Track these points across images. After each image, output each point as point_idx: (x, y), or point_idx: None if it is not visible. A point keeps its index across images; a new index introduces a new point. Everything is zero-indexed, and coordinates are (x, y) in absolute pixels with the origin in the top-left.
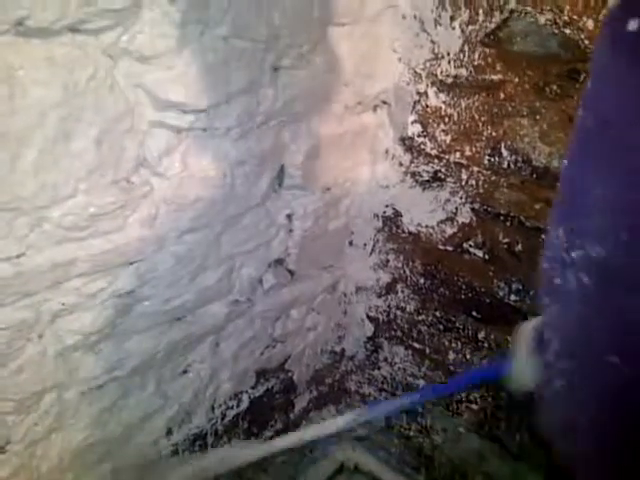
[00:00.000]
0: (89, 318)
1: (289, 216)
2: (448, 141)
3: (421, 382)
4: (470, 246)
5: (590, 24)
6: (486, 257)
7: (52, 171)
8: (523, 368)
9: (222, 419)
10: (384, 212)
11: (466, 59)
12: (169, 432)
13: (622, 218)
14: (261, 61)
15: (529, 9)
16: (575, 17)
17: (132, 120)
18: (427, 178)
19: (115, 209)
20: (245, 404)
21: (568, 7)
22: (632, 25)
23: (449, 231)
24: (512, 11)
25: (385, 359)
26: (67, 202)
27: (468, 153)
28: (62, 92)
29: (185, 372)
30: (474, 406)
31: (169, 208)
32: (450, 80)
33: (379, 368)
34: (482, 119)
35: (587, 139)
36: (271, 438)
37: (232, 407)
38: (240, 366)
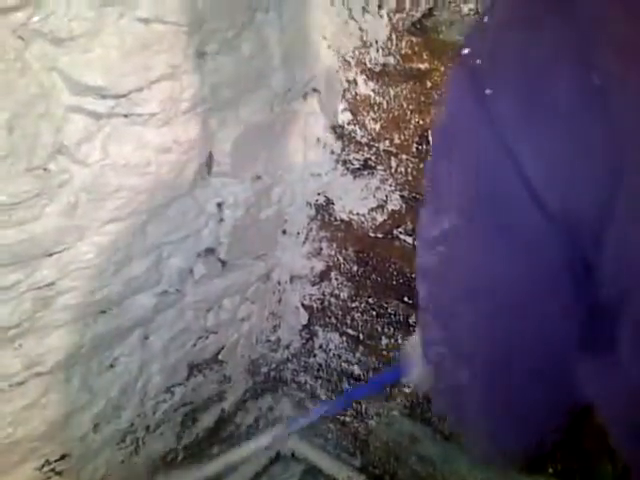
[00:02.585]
0: (6, 312)
1: (219, 205)
2: (378, 129)
3: (355, 368)
4: (400, 233)
5: None
6: (415, 243)
7: None
8: (419, 373)
9: (153, 413)
10: (316, 200)
11: (394, 47)
12: (96, 428)
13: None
14: (185, 46)
15: None
16: None
17: (47, 105)
18: (358, 166)
19: (30, 198)
20: (178, 397)
21: None
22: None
23: (380, 218)
24: (437, 0)
25: (320, 346)
26: None
27: (397, 141)
28: None
29: (112, 366)
30: (407, 390)
31: (90, 197)
32: (379, 68)
33: (315, 356)
34: (410, 107)
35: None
36: (206, 431)
37: (164, 401)
38: (171, 359)
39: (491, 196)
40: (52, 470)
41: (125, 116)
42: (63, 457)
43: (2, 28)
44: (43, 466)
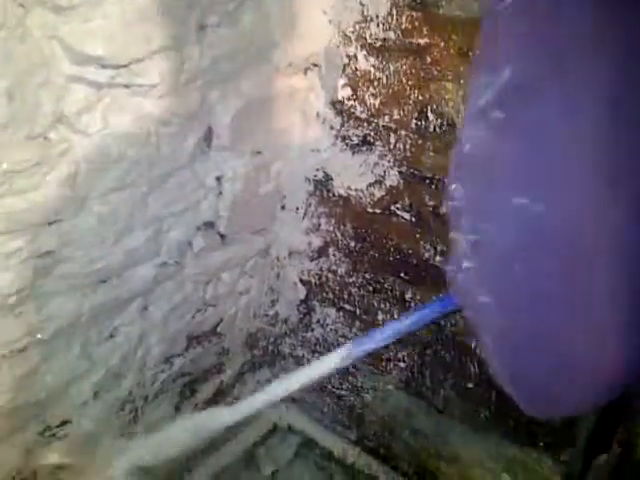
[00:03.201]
0: (7, 279)
1: (219, 178)
2: (377, 105)
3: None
4: (398, 209)
5: None
6: (413, 220)
7: None
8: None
9: (152, 383)
10: (315, 176)
11: (394, 22)
12: (96, 396)
13: None
14: (185, 18)
15: None
16: None
17: (47, 73)
18: (357, 142)
19: (31, 166)
20: (176, 368)
21: None
22: None
23: (378, 194)
24: None
25: (318, 321)
26: None
27: (396, 117)
28: None
29: (112, 336)
30: (402, 364)
31: (90, 166)
32: (379, 43)
33: (312, 330)
34: (410, 83)
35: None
36: (205, 402)
37: (163, 371)
38: (170, 330)
39: None
40: (53, 435)
41: (125, 86)
42: (64, 423)
43: None
44: (44, 431)
